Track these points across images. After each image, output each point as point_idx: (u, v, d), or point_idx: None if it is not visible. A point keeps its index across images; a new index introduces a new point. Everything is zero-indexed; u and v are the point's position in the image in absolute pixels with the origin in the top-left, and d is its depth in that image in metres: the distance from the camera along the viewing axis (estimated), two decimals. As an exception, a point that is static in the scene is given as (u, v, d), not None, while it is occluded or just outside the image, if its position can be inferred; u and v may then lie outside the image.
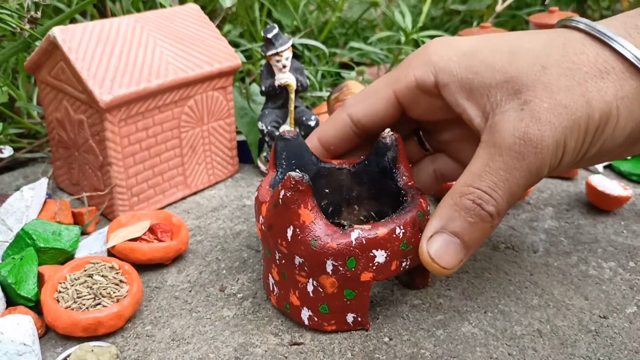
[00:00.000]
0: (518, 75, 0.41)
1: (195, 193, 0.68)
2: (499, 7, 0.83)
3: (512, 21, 0.99)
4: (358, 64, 0.96)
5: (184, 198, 0.67)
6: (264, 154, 0.72)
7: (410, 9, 1.10)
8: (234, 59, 0.66)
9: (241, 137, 0.73)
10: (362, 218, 0.54)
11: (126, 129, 0.58)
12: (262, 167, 0.71)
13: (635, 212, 0.63)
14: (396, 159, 0.50)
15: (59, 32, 0.56)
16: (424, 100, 0.48)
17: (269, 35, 0.64)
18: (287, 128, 0.53)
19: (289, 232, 0.43)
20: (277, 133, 0.69)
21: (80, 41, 0.56)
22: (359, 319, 0.45)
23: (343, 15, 1.00)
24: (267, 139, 0.69)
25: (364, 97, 0.50)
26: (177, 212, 0.64)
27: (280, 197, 0.43)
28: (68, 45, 0.55)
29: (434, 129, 0.53)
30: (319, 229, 0.43)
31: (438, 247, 0.43)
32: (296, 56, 0.87)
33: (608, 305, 0.49)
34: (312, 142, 0.53)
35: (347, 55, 0.88)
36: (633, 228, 0.60)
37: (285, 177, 0.42)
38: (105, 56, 0.57)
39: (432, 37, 0.87)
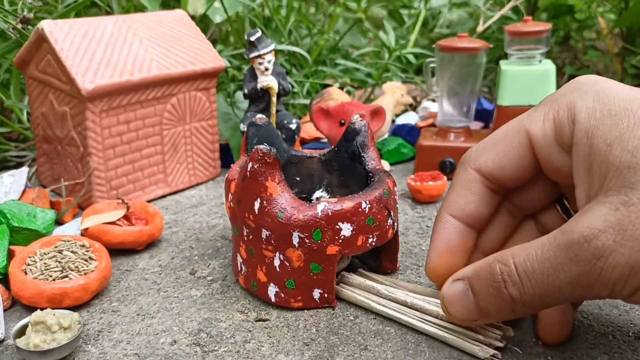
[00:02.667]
0: None
1: (175, 192, 0.69)
2: (480, 28, 0.86)
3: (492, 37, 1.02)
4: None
5: (163, 196, 0.68)
6: (246, 156, 0.73)
7: (399, 38, 1.13)
8: (217, 60, 0.68)
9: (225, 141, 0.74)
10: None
11: (107, 120, 0.60)
12: (244, 170, 0.72)
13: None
14: (364, 143, 0.51)
15: (47, 25, 0.58)
16: (557, 155, 0.37)
17: (252, 38, 0.66)
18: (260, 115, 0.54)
19: (256, 205, 0.44)
20: (258, 135, 0.70)
21: (67, 34, 0.58)
22: (326, 295, 0.45)
23: (331, 39, 1.03)
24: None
25: (491, 143, 0.40)
26: (155, 207, 0.64)
27: (248, 169, 0.44)
28: (55, 37, 0.57)
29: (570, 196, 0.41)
30: (286, 201, 0.43)
31: (453, 293, 0.38)
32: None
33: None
34: (446, 230, 0.41)
35: (332, 72, 0.90)
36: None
37: (253, 150, 0.43)
38: (91, 49, 0.59)
39: (415, 54, 0.89)
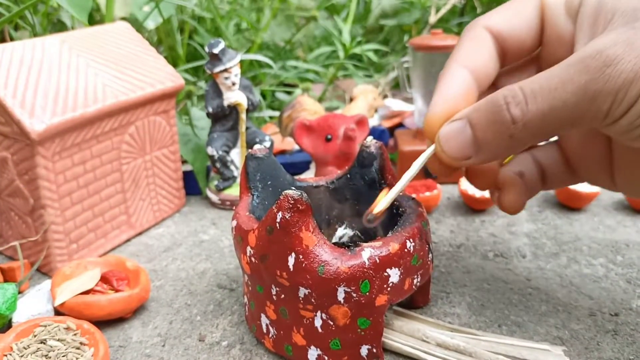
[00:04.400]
0: None
1: (140, 233, 0.60)
2: (432, 19, 0.82)
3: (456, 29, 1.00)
4: (290, 85, 0.92)
5: (128, 240, 0.59)
6: (215, 182, 0.65)
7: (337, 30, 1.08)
8: (176, 79, 0.59)
9: (186, 167, 0.66)
10: (347, 239, 0.49)
11: (61, 163, 0.50)
12: (213, 198, 0.64)
13: (603, 207, 0.63)
14: (383, 168, 0.46)
15: (-30, 55, 0.47)
16: (563, 20, 0.39)
17: (215, 51, 0.58)
18: (258, 146, 0.47)
19: (291, 261, 0.37)
20: (228, 158, 0.63)
21: (0, 65, 0.48)
22: (374, 350, 0.40)
23: (269, 38, 0.96)
24: (218, 165, 0.62)
25: (504, 7, 0.40)
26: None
27: (278, 220, 0.37)
28: (-16, 70, 0.46)
29: None
30: (325, 253, 0.37)
31: (450, 130, 0.37)
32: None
33: (614, 302, 0.47)
34: (454, 78, 0.39)
35: (286, 75, 0.83)
36: (607, 223, 0.59)
37: (282, 197, 0.37)
38: (32, 81, 0.48)
39: (375, 51, 0.84)
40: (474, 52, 0.40)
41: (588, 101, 0.32)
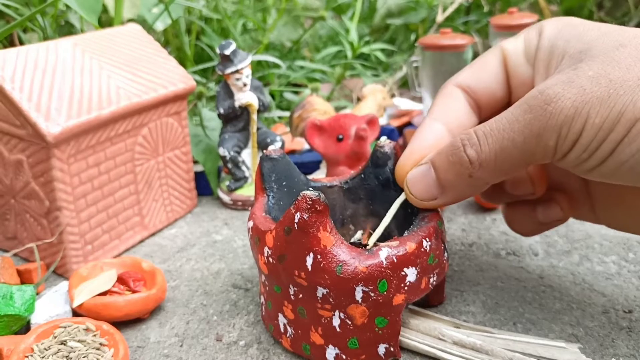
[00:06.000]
0: (593, 47, 0.36)
1: (153, 234, 0.60)
2: (440, 18, 0.82)
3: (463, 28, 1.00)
4: (298, 85, 0.92)
5: (142, 241, 0.59)
6: (226, 182, 0.65)
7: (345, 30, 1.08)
8: (188, 80, 0.59)
9: (197, 167, 0.66)
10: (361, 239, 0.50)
11: (76, 165, 0.50)
12: (225, 198, 0.65)
13: (613, 205, 0.63)
14: (398, 168, 0.46)
15: (-14, 58, 0.47)
16: (524, 67, 0.41)
17: (227, 52, 0.58)
18: (272, 147, 0.47)
19: (309, 261, 0.37)
20: (240, 158, 0.63)
21: (15, 68, 0.48)
22: (391, 349, 0.40)
23: (275, 39, 0.96)
24: (230, 165, 0.63)
25: (470, 64, 0.44)
26: (139, 257, 0.55)
27: (296, 221, 0.37)
28: (1, 74, 0.47)
29: None
30: (343, 253, 0.38)
31: (415, 174, 0.40)
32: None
33: (627, 299, 0.47)
34: (426, 131, 0.42)
35: (294, 75, 0.83)
36: (618, 220, 0.60)
37: (300, 198, 0.37)
38: (47, 84, 0.49)
39: (382, 50, 0.85)
40: (446, 108, 0.42)
41: (535, 139, 0.35)
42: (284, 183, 0.46)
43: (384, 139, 0.47)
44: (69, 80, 0.50)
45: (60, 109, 0.48)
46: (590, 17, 0.95)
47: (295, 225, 0.37)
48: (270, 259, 0.40)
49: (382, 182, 0.47)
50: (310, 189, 0.38)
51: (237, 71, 0.59)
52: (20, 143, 0.49)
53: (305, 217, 0.37)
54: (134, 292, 0.47)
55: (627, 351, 0.41)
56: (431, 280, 0.41)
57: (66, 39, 0.54)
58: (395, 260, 0.38)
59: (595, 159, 0.34)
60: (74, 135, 0.48)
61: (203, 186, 0.67)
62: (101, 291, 0.45)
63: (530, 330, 0.44)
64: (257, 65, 0.87)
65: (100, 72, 0.53)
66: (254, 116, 0.62)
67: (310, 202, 0.37)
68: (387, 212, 0.46)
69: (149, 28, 0.76)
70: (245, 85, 0.60)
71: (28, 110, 0.46)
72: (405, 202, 0.44)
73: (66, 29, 0.81)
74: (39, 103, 0.47)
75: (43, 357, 0.38)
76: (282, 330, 0.42)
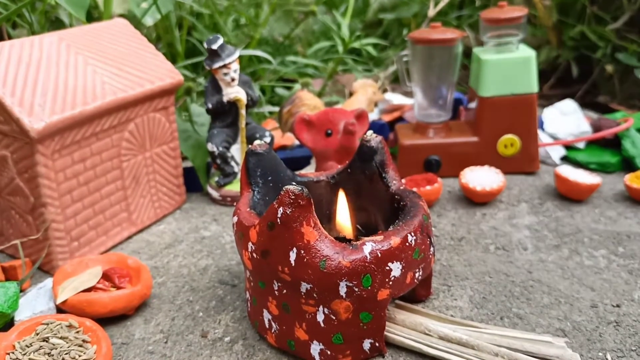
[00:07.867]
0: None
1: (141, 230, 0.60)
2: (431, 12, 0.82)
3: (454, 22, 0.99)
4: (289, 80, 0.92)
5: (129, 237, 0.59)
6: (215, 178, 0.65)
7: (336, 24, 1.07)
8: (175, 75, 0.59)
9: (187, 163, 0.66)
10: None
11: (61, 161, 0.50)
12: (214, 194, 0.64)
13: (603, 199, 0.63)
14: (384, 162, 0.46)
15: (-32, 54, 0.46)
16: None
17: (214, 46, 0.58)
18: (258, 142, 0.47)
19: (292, 256, 0.37)
20: (229, 154, 0.63)
21: (-2, 62, 0.47)
22: (376, 344, 0.40)
23: (267, 33, 0.96)
24: (218, 161, 0.62)
25: None
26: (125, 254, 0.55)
27: (279, 215, 0.37)
28: (-18, 68, 0.46)
29: None
30: (327, 247, 0.37)
31: None
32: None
33: (615, 293, 0.47)
34: None
35: (285, 70, 0.83)
36: (608, 214, 0.59)
37: (283, 192, 0.37)
38: (30, 79, 0.48)
39: (374, 45, 0.84)
40: None
41: None
42: (270, 178, 0.46)
43: (370, 133, 0.46)
44: (53, 75, 0.50)
45: (44, 105, 0.47)
46: (583, 11, 0.95)
47: (279, 220, 0.37)
48: (254, 255, 0.39)
49: (369, 176, 0.46)
50: (294, 183, 0.38)
51: (224, 66, 0.58)
52: (4, 139, 0.49)
53: (288, 212, 0.37)
54: (119, 288, 0.46)
55: (615, 345, 0.41)
56: (417, 275, 0.41)
57: (51, 34, 0.53)
58: (380, 255, 0.38)
59: None
60: (58, 130, 0.48)
61: (192, 182, 0.67)
62: (86, 287, 0.45)
63: (518, 324, 0.43)
64: (248, 61, 0.87)
65: (85, 67, 0.53)
66: (243, 111, 0.61)
67: (293, 197, 0.36)
68: (374, 206, 0.45)
69: (138, 23, 0.75)
70: (233, 80, 0.59)
71: (11, 105, 0.46)
72: (393, 196, 0.43)
73: (55, 25, 0.80)
74: (23, 98, 0.46)
75: (25, 354, 0.37)
76: (267, 326, 0.42)
